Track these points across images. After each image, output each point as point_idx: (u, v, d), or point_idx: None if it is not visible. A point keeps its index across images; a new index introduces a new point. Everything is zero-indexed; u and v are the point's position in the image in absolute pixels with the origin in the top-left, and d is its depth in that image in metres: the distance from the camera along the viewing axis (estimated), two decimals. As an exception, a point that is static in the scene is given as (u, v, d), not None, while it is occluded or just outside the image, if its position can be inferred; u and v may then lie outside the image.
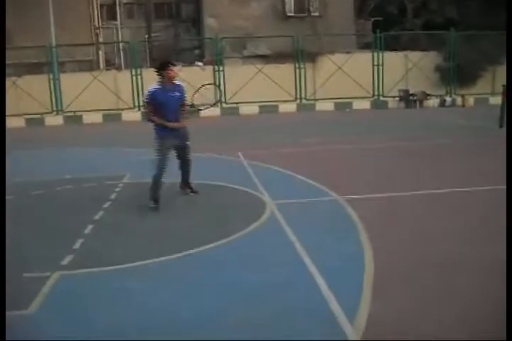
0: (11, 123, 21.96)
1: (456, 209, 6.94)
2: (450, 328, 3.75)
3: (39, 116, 22.73)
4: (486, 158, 10.43)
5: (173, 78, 7.53)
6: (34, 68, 24.18)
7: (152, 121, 7.54)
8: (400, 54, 25.04)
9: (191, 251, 5.59)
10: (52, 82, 23.28)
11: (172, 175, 7.83)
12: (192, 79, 23.59)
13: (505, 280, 3.51)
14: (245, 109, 23.72)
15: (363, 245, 5.57)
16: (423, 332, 3.72)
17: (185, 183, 8.23)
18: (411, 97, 24.52)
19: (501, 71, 21.99)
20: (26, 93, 22.61)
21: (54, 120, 22.87)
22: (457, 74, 25.05)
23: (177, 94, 7.53)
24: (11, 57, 24.67)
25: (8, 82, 22.34)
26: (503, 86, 15.22)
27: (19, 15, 25.75)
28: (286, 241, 5.81)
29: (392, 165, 10.22)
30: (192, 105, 7.92)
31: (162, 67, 7.46)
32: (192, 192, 8.19)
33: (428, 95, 24.73)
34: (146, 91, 7.68)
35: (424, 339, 3.61)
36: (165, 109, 7.44)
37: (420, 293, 4.39)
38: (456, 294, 4.32)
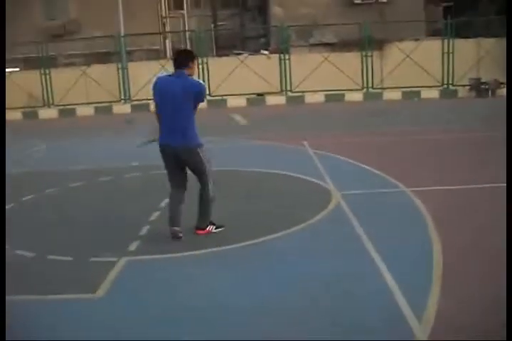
0: (81, 111, 22.69)
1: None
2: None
3: (107, 104, 23.21)
4: None
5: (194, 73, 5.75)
6: (103, 57, 24.74)
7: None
8: (472, 41, 24.21)
9: (255, 241, 5.59)
10: (120, 70, 23.73)
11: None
12: (258, 67, 23.92)
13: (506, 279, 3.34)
14: (311, 98, 23.50)
15: (431, 238, 5.41)
16: (489, 331, 3.57)
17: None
18: (483, 86, 23.69)
19: None
20: (95, 82, 23.11)
21: (122, 108, 23.31)
22: (532, 62, 24.05)
23: None
24: (80, 48, 25.46)
25: (79, 71, 22.99)
26: None
27: (87, 5, 26.42)
28: (353, 233, 5.73)
29: (460, 157, 9.87)
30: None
31: (194, 57, 5.74)
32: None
33: (501, 83, 23.83)
34: (197, 80, 5.81)
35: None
36: None
37: (492, 290, 4.23)
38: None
